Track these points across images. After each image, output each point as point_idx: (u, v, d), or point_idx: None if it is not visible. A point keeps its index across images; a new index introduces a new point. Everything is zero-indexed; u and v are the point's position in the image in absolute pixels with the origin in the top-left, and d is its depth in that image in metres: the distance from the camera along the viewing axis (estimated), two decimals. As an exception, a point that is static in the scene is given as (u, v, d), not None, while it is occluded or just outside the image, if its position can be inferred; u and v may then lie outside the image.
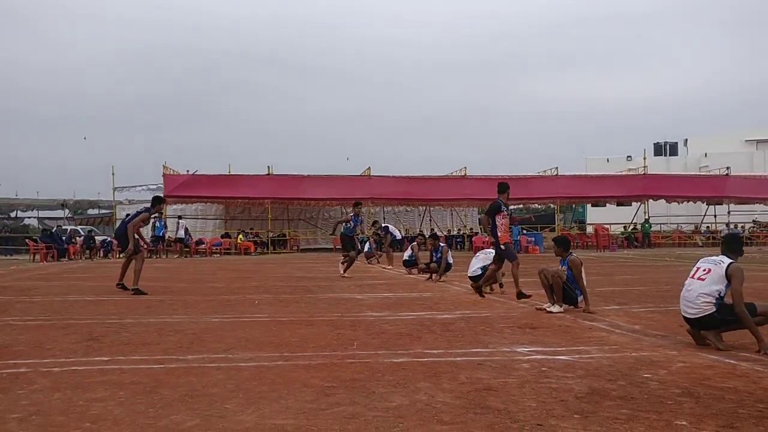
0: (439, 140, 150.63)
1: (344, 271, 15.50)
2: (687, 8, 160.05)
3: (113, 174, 34.85)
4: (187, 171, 34.32)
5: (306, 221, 39.81)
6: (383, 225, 20.87)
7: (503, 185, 10.94)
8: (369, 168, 35.48)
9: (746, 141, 62.68)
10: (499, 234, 10.48)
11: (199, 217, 37.99)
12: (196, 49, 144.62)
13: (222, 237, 34.80)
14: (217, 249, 32.84)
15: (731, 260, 6.19)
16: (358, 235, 16.32)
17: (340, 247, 16.99)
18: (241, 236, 34.15)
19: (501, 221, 10.54)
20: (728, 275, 6.04)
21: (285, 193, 34.24)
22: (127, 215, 12.93)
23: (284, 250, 35.14)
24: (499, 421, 3.85)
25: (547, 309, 8.65)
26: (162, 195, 12.84)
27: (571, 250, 9.26)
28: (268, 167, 34.32)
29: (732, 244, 6.54)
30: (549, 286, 8.86)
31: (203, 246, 33.04)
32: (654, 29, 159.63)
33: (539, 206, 50.86)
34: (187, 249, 31.75)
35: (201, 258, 30.48)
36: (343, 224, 16.24)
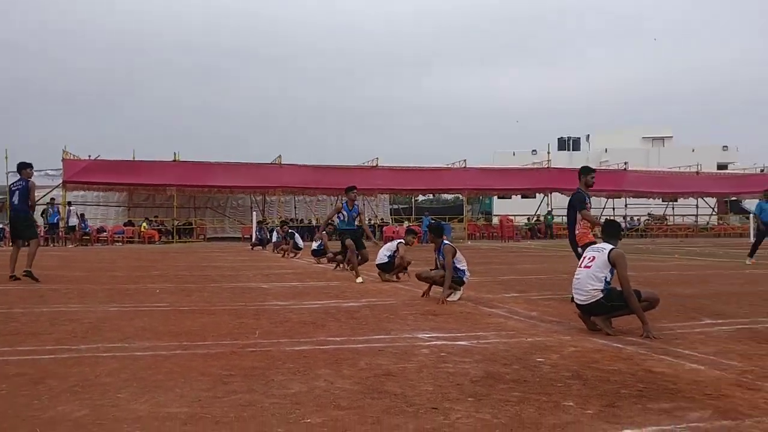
0: (354, 130, 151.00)
1: (357, 274, 11.88)
2: (591, 6, 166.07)
3: (6, 158, 33.06)
4: (89, 156, 32.95)
5: (214, 209, 39.02)
6: (290, 231, 20.43)
7: (586, 168, 9.18)
8: (280, 156, 35.12)
9: (643, 138, 65.80)
10: (577, 232, 8.78)
11: (101, 204, 36.62)
12: (102, 28, 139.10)
13: (125, 225, 33.68)
14: (119, 237, 31.80)
15: (612, 246, 6.51)
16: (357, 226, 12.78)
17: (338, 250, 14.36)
18: (144, 224, 33.12)
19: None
20: (611, 261, 6.35)
21: (192, 180, 33.34)
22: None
23: (190, 239, 34.35)
24: (395, 404, 3.90)
25: (448, 299, 8.70)
26: (28, 162, 11.49)
27: (444, 238, 9.31)
28: (175, 153, 33.42)
29: (609, 230, 6.87)
30: (433, 282, 9.04)
31: (105, 234, 31.89)
32: (559, 27, 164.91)
33: (448, 197, 51.84)
34: (87, 237, 30.55)
35: (102, 246, 29.42)
36: (337, 217, 12.78)
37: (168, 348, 5.65)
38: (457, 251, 8.95)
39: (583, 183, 8.99)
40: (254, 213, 31.41)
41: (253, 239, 26.86)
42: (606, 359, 5.19)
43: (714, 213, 46.78)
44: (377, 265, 11.84)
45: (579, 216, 8.67)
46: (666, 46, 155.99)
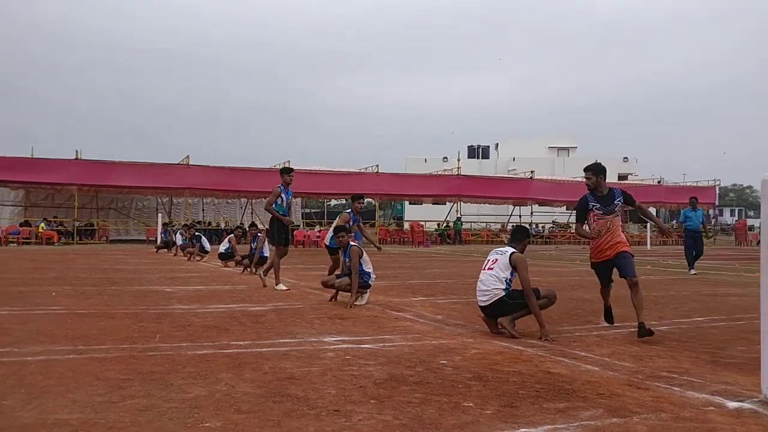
0: (262, 132, 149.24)
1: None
2: (503, 18, 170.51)
3: None
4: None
5: (117, 210, 37.71)
6: (197, 234, 19.90)
7: (596, 167, 7.05)
8: (188, 156, 34.26)
9: (549, 148, 68.02)
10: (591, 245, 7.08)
11: (-6, 203, 34.75)
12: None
13: (21, 225, 32.02)
14: (14, 238, 30.20)
15: (514, 249, 6.70)
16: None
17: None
18: (42, 225, 31.60)
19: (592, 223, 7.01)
20: (512, 263, 6.54)
21: (94, 180, 32.07)
22: None
23: (92, 241, 33.03)
24: (297, 408, 3.87)
25: (355, 303, 8.67)
26: None
27: (351, 239, 9.38)
28: (76, 151, 32.06)
29: (516, 234, 7.10)
30: (337, 290, 9.05)
31: (-2, 235, 30.26)
32: (472, 37, 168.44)
33: (360, 202, 51.90)
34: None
35: (-5, 247, 27.89)
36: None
37: (62, 352, 5.41)
38: (364, 253, 8.96)
39: (593, 182, 7.00)
40: (160, 215, 30.51)
41: (158, 242, 26.10)
42: (506, 361, 5.31)
43: (614, 222, 48.80)
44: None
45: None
46: (572, 60, 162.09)
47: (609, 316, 7.44)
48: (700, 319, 7.99)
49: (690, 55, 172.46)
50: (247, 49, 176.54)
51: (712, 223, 54.59)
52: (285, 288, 10.65)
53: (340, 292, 9.08)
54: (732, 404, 4.07)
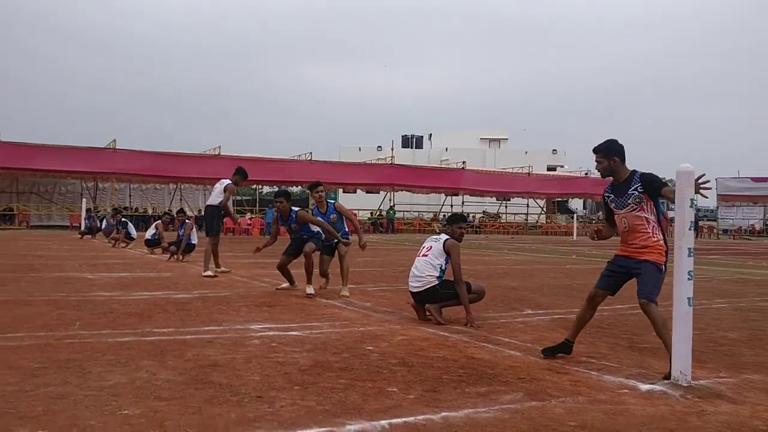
0: (192, 117, 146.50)
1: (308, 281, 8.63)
2: (437, 7, 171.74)
3: None
4: None
5: (39, 195, 36.31)
6: (123, 219, 19.35)
7: (606, 146, 5.16)
8: (114, 140, 33.29)
9: (481, 139, 69.00)
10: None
11: None
12: None
13: (-66, 209, 30.55)
14: (-74, 222, 28.79)
15: (448, 236, 6.79)
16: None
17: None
18: (-42, 209, 30.23)
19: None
20: (446, 249, 6.62)
21: (15, 163, 30.82)
22: None
23: (11, 226, 31.77)
24: (219, 394, 3.81)
25: (307, 292, 8.48)
26: None
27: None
28: (-5, 133, 30.72)
29: (449, 219, 7.23)
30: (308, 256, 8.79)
31: None
32: (405, 28, 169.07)
33: (294, 189, 51.55)
34: None
35: None
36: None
37: (-28, 341, 5.18)
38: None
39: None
40: (84, 200, 29.55)
41: (82, 227, 25.29)
42: (432, 347, 5.37)
43: (543, 212, 50.01)
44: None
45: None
46: (503, 53, 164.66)
47: (565, 347, 5.16)
48: (620, 306, 8.22)
49: (619, 51, 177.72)
50: (180, 28, 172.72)
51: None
52: (212, 274, 10.51)
53: (288, 288, 8.92)
54: (644, 386, 4.23)
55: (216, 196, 11.10)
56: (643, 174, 5.04)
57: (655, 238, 4.92)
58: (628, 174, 5.08)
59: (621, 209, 5.04)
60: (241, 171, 11.08)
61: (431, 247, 6.79)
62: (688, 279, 4.29)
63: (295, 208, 8.97)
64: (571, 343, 5.15)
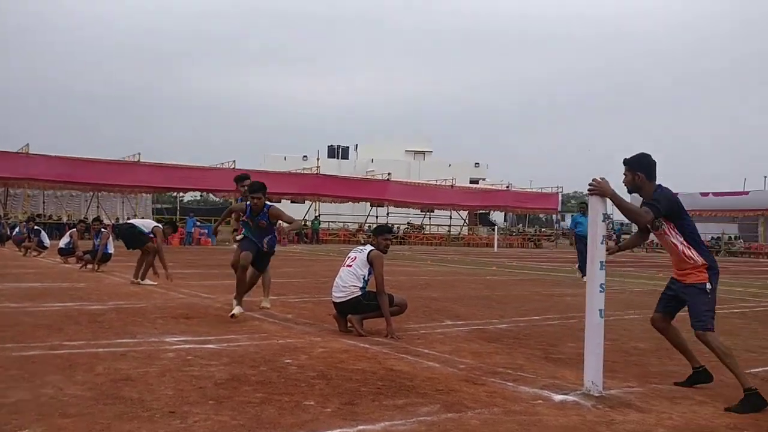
0: (113, 122, 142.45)
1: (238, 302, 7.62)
2: (362, 18, 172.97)
3: None
4: None
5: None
6: (36, 228, 18.59)
7: (634, 160, 4.81)
8: (27, 145, 31.89)
9: (406, 151, 69.60)
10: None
11: None
12: None
13: None
14: None
15: (373, 247, 6.80)
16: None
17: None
18: None
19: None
20: (369, 260, 6.63)
21: None
22: None
23: None
24: (129, 410, 3.69)
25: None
26: None
27: None
28: None
29: (374, 230, 7.25)
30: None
31: None
32: (330, 36, 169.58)
33: (217, 198, 50.69)
34: None
35: None
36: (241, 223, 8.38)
37: None
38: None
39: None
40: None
41: (-8, 235, 24.13)
42: (351, 359, 5.36)
43: (465, 224, 50.80)
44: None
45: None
46: (432, 66, 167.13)
47: (701, 376, 4.83)
48: (537, 317, 8.45)
49: (543, 66, 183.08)
50: (99, 27, 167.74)
51: (555, 227, 58.19)
52: (153, 283, 10.73)
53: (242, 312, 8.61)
54: (558, 397, 4.33)
55: (141, 224, 11.51)
56: (655, 191, 4.67)
57: (691, 260, 4.57)
58: (656, 189, 4.68)
59: (655, 230, 4.76)
60: (173, 224, 12.61)
61: (355, 257, 6.79)
62: (600, 291, 4.42)
63: (268, 203, 8.15)
64: (700, 368, 4.80)
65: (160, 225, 11.46)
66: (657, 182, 4.71)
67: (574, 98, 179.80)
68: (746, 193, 41.51)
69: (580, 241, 15.86)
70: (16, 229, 21.00)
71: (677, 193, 4.93)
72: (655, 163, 4.76)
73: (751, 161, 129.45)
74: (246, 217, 7.96)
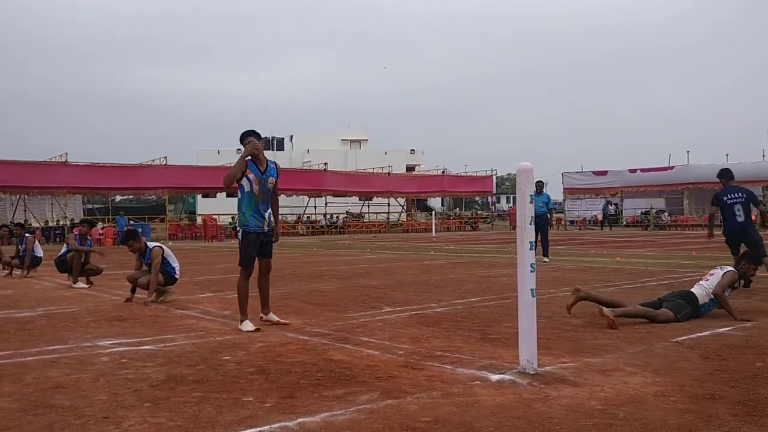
0: (36, 123, 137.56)
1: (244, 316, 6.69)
2: (295, 10, 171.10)
3: None
4: None
5: None
6: None
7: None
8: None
9: (342, 140, 69.44)
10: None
11: None
12: None
13: None
14: None
15: None
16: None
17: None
18: None
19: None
20: None
21: None
22: None
23: None
24: (61, 418, 3.59)
25: (164, 299, 8.54)
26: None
27: (144, 241, 8.93)
28: None
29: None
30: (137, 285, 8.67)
31: None
32: (264, 31, 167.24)
33: (150, 197, 49.53)
34: None
35: None
36: (240, 189, 6.80)
37: None
38: (165, 248, 8.67)
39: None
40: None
41: None
42: (290, 352, 5.33)
43: (403, 210, 51.07)
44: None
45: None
46: (365, 56, 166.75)
47: None
48: (474, 299, 8.57)
49: (465, 48, 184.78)
50: (22, 24, 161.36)
51: (491, 210, 59.05)
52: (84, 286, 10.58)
53: (136, 294, 8.65)
54: (495, 377, 4.42)
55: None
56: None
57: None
58: None
59: None
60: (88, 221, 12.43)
61: None
62: (531, 271, 4.52)
63: (152, 244, 8.75)
64: None
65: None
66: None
67: (497, 81, 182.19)
68: (671, 168, 42.87)
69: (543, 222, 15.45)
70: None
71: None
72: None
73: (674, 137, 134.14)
74: (252, 175, 6.53)
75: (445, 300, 8.48)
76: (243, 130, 6.64)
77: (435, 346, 5.52)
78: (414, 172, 55.68)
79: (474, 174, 52.05)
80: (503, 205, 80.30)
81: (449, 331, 6.21)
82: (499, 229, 45.91)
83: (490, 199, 58.89)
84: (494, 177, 51.83)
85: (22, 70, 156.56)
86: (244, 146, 6.62)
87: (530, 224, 4.56)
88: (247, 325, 6.38)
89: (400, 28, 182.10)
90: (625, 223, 45.16)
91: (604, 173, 46.51)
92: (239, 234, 6.59)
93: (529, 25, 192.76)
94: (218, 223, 37.65)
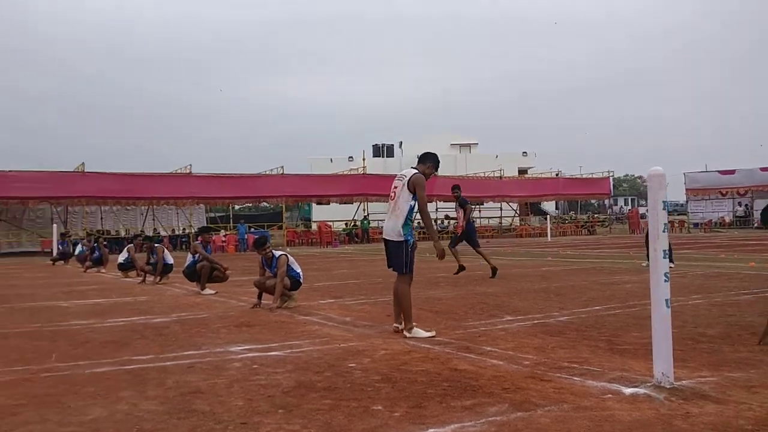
0: (162, 136, 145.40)
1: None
2: (402, 17, 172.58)
3: None
4: None
5: (8, 222, 35.65)
6: (95, 245, 19.21)
7: None
8: (83, 163, 32.84)
9: (452, 145, 69.39)
10: None
11: None
12: None
13: None
14: None
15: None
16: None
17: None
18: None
19: None
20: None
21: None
22: None
23: (-19, 255, 31.17)
24: (202, 423, 3.76)
25: (286, 306, 8.83)
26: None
27: (270, 248, 9.20)
28: (-40, 161, 30.17)
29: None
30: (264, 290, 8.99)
31: None
32: (369, 38, 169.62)
33: (267, 204, 51.28)
34: None
35: None
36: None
37: (-55, 380, 5.06)
38: (289, 256, 9.02)
39: None
40: (55, 225, 29.08)
41: (55, 253, 24.89)
42: (414, 360, 5.35)
43: (516, 215, 50.32)
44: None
45: None
46: (472, 57, 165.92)
47: None
48: (598, 307, 8.31)
49: (583, 49, 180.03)
50: (143, 42, 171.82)
51: (608, 212, 57.17)
52: (212, 292, 11.02)
53: (263, 299, 9.01)
54: (628, 390, 4.25)
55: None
56: None
57: None
58: None
59: None
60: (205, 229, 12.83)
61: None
62: (665, 281, 4.32)
63: (277, 252, 9.16)
64: None
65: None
66: None
67: (612, 80, 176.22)
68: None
69: None
70: (78, 247, 21.60)
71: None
72: None
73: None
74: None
75: (568, 308, 8.27)
76: (424, 152, 7.00)
77: (561, 356, 5.39)
78: (527, 175, 54.78)
79: (590, 176, 50.61)
80: (621, 207, 77.53)
81: (575, 341, 6.04)
82: (617, 232, 44.38)
83: (607, 201, 57.07)
84: (611, 178, 50.20)
85: (149, 84, 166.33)
86: (424, 166, 6.83)
87: (663, 232, 4.37)
88: (421, 332, 6.46)
89: (518, 29, 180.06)
90: (756, 225, 42.54)
91: (731, 172, 44.11)
92: (407, 243, 6.63)
93: (651, 24, 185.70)
94: (332, 230, 38.46)
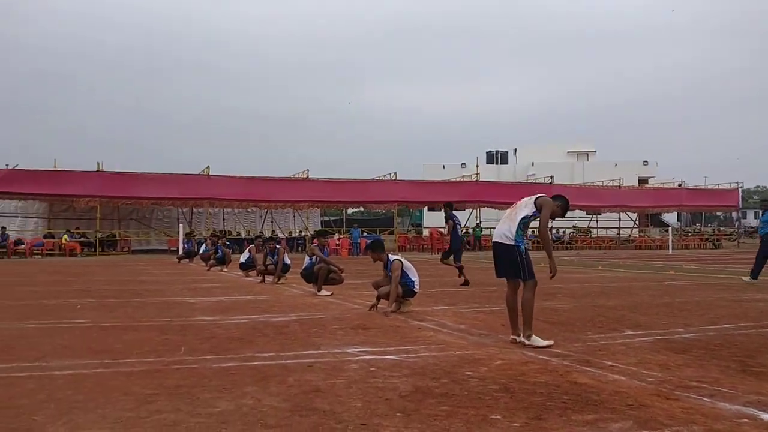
0: (280, 142, 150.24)
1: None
2: (514, 24, 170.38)
3: None
4: (6, 165, 31.64)
5: (138, 221, 37.99)
6: (218, 245, 20.22)
7: None
8: (208, 167, 34.51)
9: (568, 152, 67.73)
10: None
11: (19, 215, 35.03)
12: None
13: (44, 237, 32.36)
14: (38, 250, 30.53)
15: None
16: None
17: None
18: (66, 236, 31.92)
19: None
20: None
21: (116, 191, 32.40)
22: None
23: (114, 252, 33.33)
24: (324, 422, 3.86)
25: (402, 310, 8.95)
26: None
27: (387, 253, 9.36)
28: (98, 163, 32.45)
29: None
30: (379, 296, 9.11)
31: (22, 247, 30.59)
32: (486, 47, 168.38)
33: (379, 210, 51.97)
34: (3, 250, 29.27)
35: (19, 260, 28.22)
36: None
37: (89, 366, 5.44)
38: (404, 262, 9.08)
39: None
40: (181, 225, 30.72)
41: (180, 252, 26.27)
42: (533, 372, 5.27)
43: (635, 226, 48.47)
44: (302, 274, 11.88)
45: None
46: (589, 64, 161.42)
47: None
48: (727, 325, 7.87)
49: (708, 57, 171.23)
50: (254, 60, 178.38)
51: (736, 225, 54.01)
52: (328, 293, 11.33)
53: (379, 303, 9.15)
54: (766, 416, 4.00)
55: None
56: None
57: None
58: None
59: None
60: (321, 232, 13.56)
61: None
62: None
63: (393, 257, 9.35)
64: None
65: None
66: None
67: (746, 91, 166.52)
68: None
69: (764, 243, 14.55)
70: (203, 246, 22.69)
71: None
72: None
73: None
74: None
75: (693, 325, 7.88)
76: (560, 194, 7.18)
77: (688, 375, 5.14)
78: (647, 185, 52.66)
79: (716, 187, 48.05)
80: (750, 220, 72.98)
81: (702, 360, 5.75)
82: (746, 247, 41.80)
83: (735, 214, 53.96)
84: (740, 190, 47.46)
85: (271, 93, 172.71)
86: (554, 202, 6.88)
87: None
88: (540, 341, 6.43)
89: (630, 37, 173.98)
90: None
91: None
92: (518, 248, 6.73)
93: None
94: (444, 236, 38.42)
